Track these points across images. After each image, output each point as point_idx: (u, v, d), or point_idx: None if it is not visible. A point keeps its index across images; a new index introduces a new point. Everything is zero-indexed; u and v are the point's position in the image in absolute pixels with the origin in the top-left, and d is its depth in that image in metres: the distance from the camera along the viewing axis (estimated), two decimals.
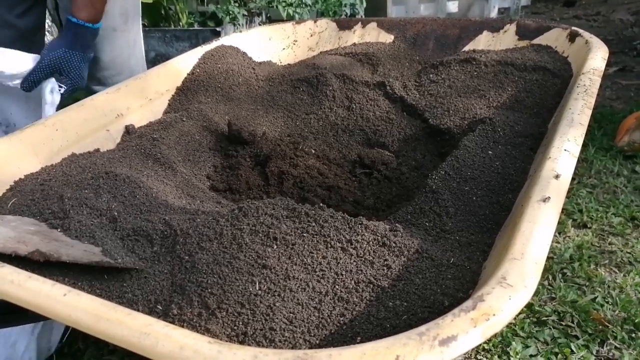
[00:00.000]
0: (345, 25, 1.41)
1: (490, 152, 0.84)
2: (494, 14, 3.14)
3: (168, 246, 0.67)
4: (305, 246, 0.62)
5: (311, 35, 1.43)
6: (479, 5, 3.02)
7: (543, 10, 5.91)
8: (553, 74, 1.03)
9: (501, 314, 0.41)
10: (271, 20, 2.81)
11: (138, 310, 0.59)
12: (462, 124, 1.01)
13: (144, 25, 2.54)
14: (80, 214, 0.74)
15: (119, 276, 0.65)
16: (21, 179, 0.88)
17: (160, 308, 0.60)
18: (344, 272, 0.59)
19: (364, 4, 2.63)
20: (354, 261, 0.61)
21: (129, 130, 1.06)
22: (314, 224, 0.64)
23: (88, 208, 0.75)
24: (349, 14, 2.64)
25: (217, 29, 2.29)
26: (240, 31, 1.40)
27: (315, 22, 1.44)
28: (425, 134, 1.08)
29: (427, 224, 0.74)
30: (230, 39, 1.37)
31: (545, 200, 0.55)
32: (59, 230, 0.73)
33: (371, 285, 0.58)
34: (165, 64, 1.20)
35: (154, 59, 2.43)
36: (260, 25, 2.69)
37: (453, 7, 3.04)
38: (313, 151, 1.09)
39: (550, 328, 1.10)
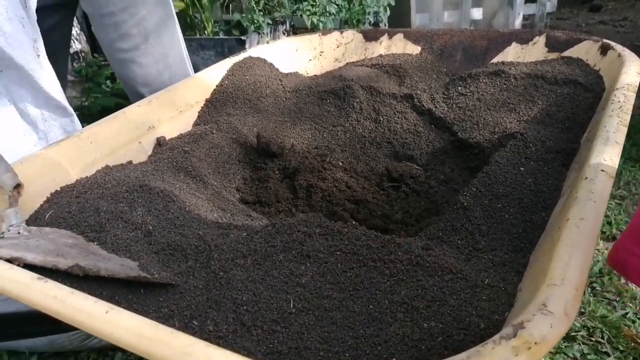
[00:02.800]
0: (371, 36, 1.41)
1: (522, 169, 0.84)
2: (518, 20, 3.12)
3: (202, 261, 0.68)
4: (339, 264, 0.63)
5: (337, 47, 1.43)
6: (504, 12, 3.00)
7: (568, 15, 5.83)
8: (585, 87, 1.02)
9: (542, 342, 0.41)
10: (295, 28, 2.83)
11: (174, 326, 0.60)
12: (492, 138, 1.00)
13: None
14: (115, 227, 0.76)
15: (155, 291, 0.66)
16: (57, 191, 0.90)
17: (196, 324, 0.61)
18: (377, 292, 0.60)
19: (388, 12, 2.63)
20: (387, 281, 0.61)
21: (160, 142, 1.08)
22: (346, 241, 0.65)
23: (123, 222, 0.77)
24: (372, 22, 2.65)
25: (242, 37, 2.32)
26: (267, 42, 1.42)
27: (341, 33, 1.44)
28: (454, 147, 1.07)
29: (459, 242, 0.74)
30: (257, 50, 1.38)
31: (583, 222, 0.55)
32: (95, 243, 0.75)
33: (405, 306, 0.58)
34: (195, 76, 1.22)
35: None
36: (284, 33, 2.71)
37: (477, 15, 3.02)
38: (340, 163, 1.10)
39: (579, 344, 1.09)
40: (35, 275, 0.58)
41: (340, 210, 0.94)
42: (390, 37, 1.38)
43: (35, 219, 0.83)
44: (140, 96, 1.44)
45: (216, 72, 1.27)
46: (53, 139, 1.18)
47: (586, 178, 0.62)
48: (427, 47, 1.33)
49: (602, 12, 5.75)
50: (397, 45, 1.37)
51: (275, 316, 0.58)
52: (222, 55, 2.36)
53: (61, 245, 0.74)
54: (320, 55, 1.43)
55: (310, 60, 1.43)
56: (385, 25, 2.75)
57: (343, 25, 2.71)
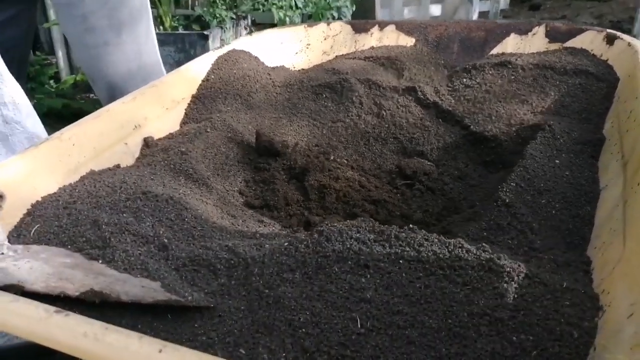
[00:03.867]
0: (361, 27, 1.35)
1: (557, 161, 0.80)
2: (475, 16, 3.15)
3: (238, 278, 0.59)
4: (403, 274, 0.55)
5: (325, 39, 1.36)
6: (465, 8, 3.02)
7: (510, 13, 6.03)
8: (597, 77, 1.00)
9: None
10: (255, 23, 2.72)
11: (217, 355, 0.51)
12: (509, 130, 0.96)
13: None
14: (123, 242, 0.65)
15: (186, 315, 0.56)
16: (39, 202, 0.77)
17: (244, 352, 0.52)
18: (453, 304, 0.53)
19: (354, 8, 2.58)
20: (461, 290, 0.54)
21: (148, 143, 0.97)
22: (408, 248, 0.58)
23: (131, 235, 0.66)
24: (336, 17, 2.59)
25: (205, 32, 2.19)
26: (251, 34, 1.32)
27: (328, 24, 1.37)
28: (467, 141, 1.02)
29: (509, 242, 0.68)
30: (241, 42, 1.29)
31: None
32: (100, 261, 0.64)
33: (487, 318, 0.52)
34: (179, 70, 1.11)
35: None
36: (246, 29, 2.60)
37: (436, 11, 3.03)
38: (345, 161, 1.03)
39: None
40: (51, 307, 0.47)
41: (359, 211, 0.87)
42: (381, 28, 1.32)
43: (17, 236, 0.71)
44: (112, 100, 1.31)
45: (200, 66, 1.16)
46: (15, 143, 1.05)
47: None
48: (421, 38, 1.28)
49: (541, 11, 5.99)
50: (389, 37, 1.31)
51: (342, 339, 0.50)
52: (183, 51, 2.23)
53: (60, 266, 0.63)
54: (307, 48, 1.35)
55: (296, 53, 1.35)
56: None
57: (307, 19, 2.64)
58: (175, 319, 0.56)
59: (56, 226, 0.70)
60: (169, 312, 0.57)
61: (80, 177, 0.85)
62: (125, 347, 0.42)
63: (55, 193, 0.80)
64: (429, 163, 1.01)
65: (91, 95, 2.70)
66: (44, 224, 0.71)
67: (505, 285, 0.55)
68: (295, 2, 2.30)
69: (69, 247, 0.67)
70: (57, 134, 0.84)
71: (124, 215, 0.70)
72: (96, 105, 2.50)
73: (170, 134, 1.01)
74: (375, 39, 1.32)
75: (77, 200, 0.76)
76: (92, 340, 0.43)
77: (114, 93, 1.33)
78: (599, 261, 0.61)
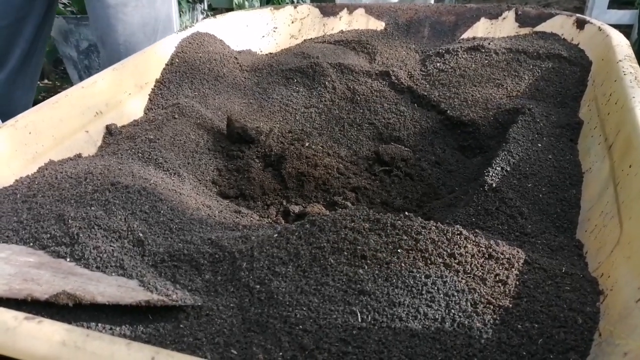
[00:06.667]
0: (329, 11, 1.31)
1: (539, 145, 0.79)
2: (431, 1, 3.16)
3: (225, 273, 0.55)
4: (403, 264, 0.53)
5: (292, 22, 1.31)
6: None
7: (462, 1, 6.14)
8: (569, 61, 1.00)
9: None
10: (212, 8, 2.63)
11: (206, 358, 0.47)
12: (486, 115, 0.95)
13: (72, 13, 2.27)
14: (93, 237, 0.60)
15: (169, 315, 0.52)
16: None
17: (236, 353, 0.48)
18: (455, 293, 0.51)
19: None
20: (463, 279, 0.52)
21: (110, 131, 0.90)
22: (405, 237, 0.55)
23: (102, 230, 0.61)
24: (295, 1, 2.53)
25: None
26: (218, 16, 1.26)
27: (295, 7, 1.33)
28: (443, 126, 1.01)
29: (500, 227, 0.67)
30: (205, 25, 1.22)
31: None
32: (68, 259, 0.58)
33: (491, 306, 0.50)
34: (142, 53, 1.04)
35: (87, 50, 2.19)
36: (202, 13, 2.51)
37: None
38: (321, 148, 0.99)
39: None
40: (19, 313, 0.42)
41: (340, 199, 0.84)
42: (350, 12, 1.29)
43: None
44: None
45: (163, 49, 1.09)
46: None
47: None
48: (391, 22, 1.26)
49: None
50: (358, 21, 1.28)
51: (343, 334, 0.47)
52: None
53: (23, 265, 0.57)
54: (274, 31, 1.30)
55: (263, 36, 1.30)
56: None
57: (264, 4, 2.57)
58: (157, 320, 0.52)
59: (15, 222, 0.64)
60: (149, 312, 0.52)
61: (39, 167, 0.78)
62: (110, 355, 0.37)
63: (11, 186, 0.73)
64: (406, 149, 0.99)
65: None
66: (0, 220, 0.65)
67: (506, 272, 0.53)
68: None
69: (32, 244, 0.61)
70: (11, 121, 0.77)
71: (92, 208, 0.64)
72: None
73: (135, 120, 0.94)
74: (345, 22, 1.29)
75: (37, 193, 0.69)
76: (72, 350, 0.38)
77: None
78: (593, 244, 0.60)
